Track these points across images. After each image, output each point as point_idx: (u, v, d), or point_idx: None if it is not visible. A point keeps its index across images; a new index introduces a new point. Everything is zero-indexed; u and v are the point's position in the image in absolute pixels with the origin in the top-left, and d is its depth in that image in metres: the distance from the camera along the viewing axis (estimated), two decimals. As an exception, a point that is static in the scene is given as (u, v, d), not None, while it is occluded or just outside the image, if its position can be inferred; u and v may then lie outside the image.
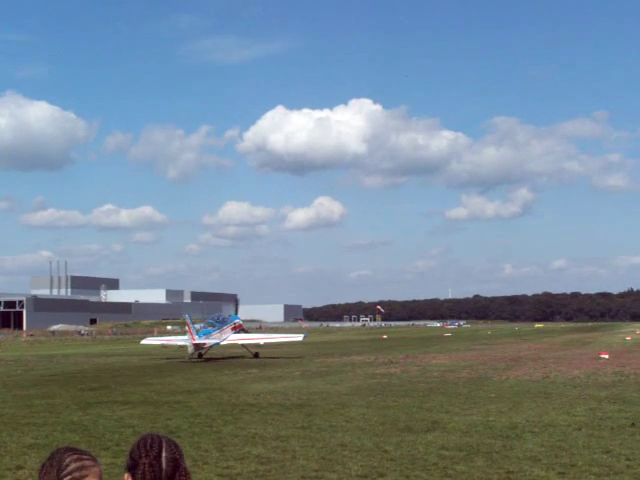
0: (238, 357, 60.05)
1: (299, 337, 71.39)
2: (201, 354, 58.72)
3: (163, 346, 71.12)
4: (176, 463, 4.23)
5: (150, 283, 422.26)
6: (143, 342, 72.94)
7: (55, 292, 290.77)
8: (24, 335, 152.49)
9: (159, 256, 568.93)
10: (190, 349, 57.27)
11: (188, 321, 59.79)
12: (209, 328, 62.92)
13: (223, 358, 59.42)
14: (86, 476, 4.21)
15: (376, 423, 22.14)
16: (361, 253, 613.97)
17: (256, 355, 60.21)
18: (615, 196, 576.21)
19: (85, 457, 4.27)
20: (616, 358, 51.61)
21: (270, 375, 40.76)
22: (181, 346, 62.66)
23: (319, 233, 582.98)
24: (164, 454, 4.22)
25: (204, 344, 58.97)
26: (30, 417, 24.44)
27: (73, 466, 4.20)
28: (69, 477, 4.18)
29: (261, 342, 66.87)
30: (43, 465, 4.28)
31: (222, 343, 62.10)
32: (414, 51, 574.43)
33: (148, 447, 4.25)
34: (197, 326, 61.74)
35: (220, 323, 64.88)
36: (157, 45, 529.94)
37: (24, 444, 19.22)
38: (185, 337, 62.17)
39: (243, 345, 63.52)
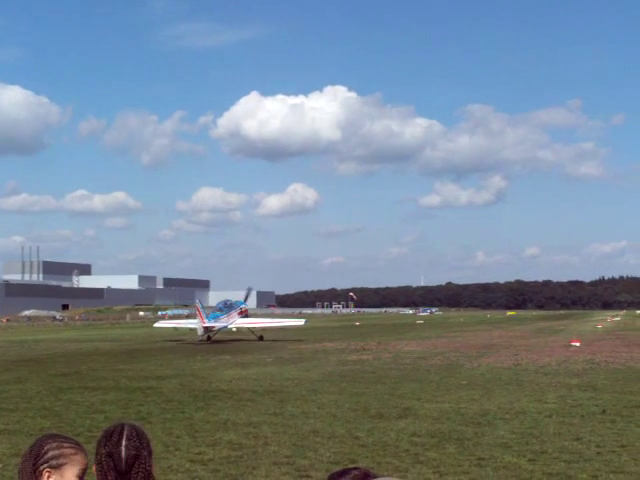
0: (245, 340, 64.00)
1: (301, 322, 78.73)
2: (209, 337, 63.52)
3: (175, 329, 75.64)
4: (137, 452, 4.17)
5: (123, 269, 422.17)
6: (156, 325, 79.64)
7: (27, 277, 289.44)
8: (4, 321, 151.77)
9: (132, 242, 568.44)
10: (200, 331, 61.95)
11: (198, 306, 64.58)
12: (217, 312, 68.30)
13: (231, 340, 63.73)
14: (64, 464, 4.17)
15: (348, 410, 22.17)
16: (334, 240, 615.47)
17: (261, 338, 64.40)
18: (588, 185, 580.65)
19: (66, 445, 4.23)
20: (587, 346, 51.84)
21: (242, 361, 40.74)
22: (192, 329, 66.72)
23: (293, 220, 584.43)
24: (124, 442, 4.16)
25: (213, 327, 64.33)
26: (1, 402, 24.35)
27: (51, 454, 4.17)
28: (45, 465, 4.15)
29: (256, 326, 70.24)
30: (25, 452, 4.26)
31: (229, 326, 67.70)
32: (389, 39, 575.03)
33: (108, 436, 4.21)
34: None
35: (228, 308, 69.52)
36: (132, 30, 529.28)
37: (-5, 429, 19.15)
38: (196, 320, 65.57)
39: (249, 329, 68.54)
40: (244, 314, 71.72)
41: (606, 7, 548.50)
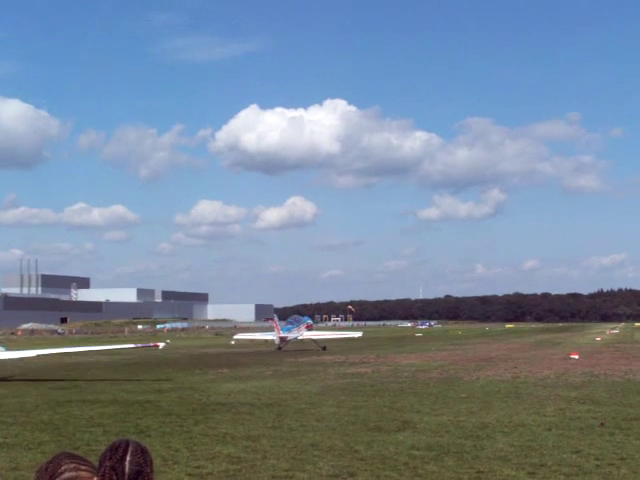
0: (309, 350, 69.40)
1: (359, 333, 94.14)
2: (280, 347, 72.04)
3: (251, 340, 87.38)
4: (140, 468, 4.18)
5: (121, 282, 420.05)
6: (235, 337, 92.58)
7: (25, 291, 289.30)
8: (20, 333, 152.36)
9: (131, 255, 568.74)
10: (277, 341, 73.07)
11: (276, 319, 79.42)
12: (289, 326, 77.91)
13: (297, 350, 68.65)
14: None
15: (347, 423, 22.15)
16: (333, 253, 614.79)
17: (324, 348, 71.55)
18: (586, 197, 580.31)
19: (83, 467, 4.22)
20: (586, 359, 51.85)
21: (241, 375, 40.71)
22: (266, 340, 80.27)
23: (291, 233, 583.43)
24: (128, 458, 4.17)
25: (286, 338, 74.01)
26: (-1, 416, 24.33)
27: (67, 475, 4.16)
28: None
29: (313, 337, 77.64)
30: (40, 467, 4.24)
31: (299, 338, 75.38)
32: (389, 52, 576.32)
33: (113, 450, 4.21)
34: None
35: (297, 322, 79.05)
36: (131, 43, 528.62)
37: (-7, 443, 19.12)
38: (272, 333, 78.17)
39: (313, 340, 76.05)
40: (310, 328, 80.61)
41: (604, 21, 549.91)
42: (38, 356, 46.66)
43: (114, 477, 4.14)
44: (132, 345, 57.17)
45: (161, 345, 47.45)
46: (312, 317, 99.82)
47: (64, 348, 60.84)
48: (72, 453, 4.39)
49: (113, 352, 62.64)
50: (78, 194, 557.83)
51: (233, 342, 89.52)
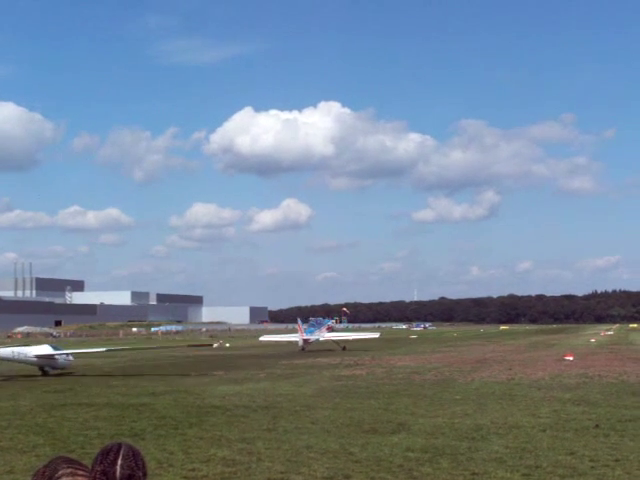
0: (331, 350, 73.75)
1: (376, 335, 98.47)
2: (303, 348, 75.52)
3: (276, 342, 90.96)
4: (132, 472, 4.15)
5: (115, 285, 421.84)
6: (261, 339, 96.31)
7: (20, 294, 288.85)
8: (19, 336, 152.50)
9: (125, 258, 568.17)
10: (300, 343, 77.20)
11: (300, 323, 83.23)
12: (311, 328, 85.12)
13: (320, 350, 73.10)
14: None
15: (342, 425, 22.16)
16: (327, 255, 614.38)
17: (344, 348, 76.42)
18: (580, 199, 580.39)
19: (80, 472, 4.21)
20: (581, 360, 51.90)
21: (235, 377, 40.68)
22: (290, 341, 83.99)
23: (286, 235, 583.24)
24: (120, 462, 4.15)
25: (309, 339, 78.87)
26: (-6, 419, 24.29)
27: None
28: None
29: (320, 338, 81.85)
30: (37, 471, 4.23)
31: (320, 339, 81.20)
32: (383, 54, 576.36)
33: (105, 454, 4.20)
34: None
35: (319, 325, 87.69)
36: (125, 46, 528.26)
37: (-13, 447, 19.09)
38: (296, 335, 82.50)
39: (334, 341, 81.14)
40: (330, 330, 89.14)
41: (598, 23, 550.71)
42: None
43: None
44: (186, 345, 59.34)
45: (215, 345, 50.01)
46: (307, 320, 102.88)
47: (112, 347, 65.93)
48: (69, 457, 4.38)
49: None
50: (72, 197, 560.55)
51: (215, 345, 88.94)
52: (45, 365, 45.45)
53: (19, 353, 45.73)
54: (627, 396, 29.32)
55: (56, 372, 45.06)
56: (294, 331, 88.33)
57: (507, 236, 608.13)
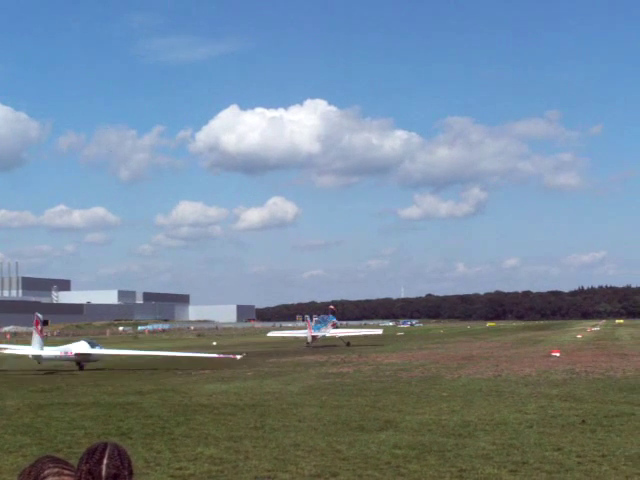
0: (335, 345, 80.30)
1: (379, 331, 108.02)
2: (309, 344, 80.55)
3: (283, 337, 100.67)
4: (117, 471, 4.14)
5: (102, 284, 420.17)
6: (269, 335, 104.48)
7: (6, 294, 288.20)
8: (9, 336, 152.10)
9: (111, 257, 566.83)
10: (309, 339, 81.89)
11: (309, 320, 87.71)
12: (318, 325, 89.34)
13: (325, 346, 79.24)
14: None
15: (329, 423, 22.16)
16: (314, 253, 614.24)
17: (348, 344, 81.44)
18: (566, 195, 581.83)
19: (66, 472, 4.19)
20: (567, 356, 52.04)
21: (223, 375, 40.65)
22: (296, 337, 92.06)
23: (272, 233, 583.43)
24: (105, 461, 4.13)
25: (316, 336, 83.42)
26: (-20, 420, 24.22)
27: (50, 479, 4.14)
28: None
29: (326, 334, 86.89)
30: (23, 471, 4.21)
31: (326, 335, 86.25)
32: (368, 52, 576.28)
33: (90, 454, 4.18)
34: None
35: (324, 322, 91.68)
36: (110, 45, 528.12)
37: (-26, 447, 19.03)
38: (304, 331, 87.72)
39: (339, 337, 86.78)
40: (335, 326, 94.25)
41: (584, 19, 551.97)
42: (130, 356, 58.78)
43: None
44: (215, 355, 58.26)
45: (238, 357, 50.86)
46: (294, 318, 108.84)
47: (140, 351, 64.47)
48: (55, 457, 4.37)
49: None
50: (58, 196, 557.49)
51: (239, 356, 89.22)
52: (82, 360, 50.44)
53: (63, 351, 51.05)
54: (613, 392, 29.39)
55: (91, 366, 50.20)
56: (283, 329, 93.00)
57: (493, 233, 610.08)
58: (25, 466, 4.27)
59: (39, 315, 52.06)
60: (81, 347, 51.18)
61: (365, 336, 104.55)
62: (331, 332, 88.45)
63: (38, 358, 49.58)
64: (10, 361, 54.48)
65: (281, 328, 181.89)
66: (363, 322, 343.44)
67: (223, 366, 47.70)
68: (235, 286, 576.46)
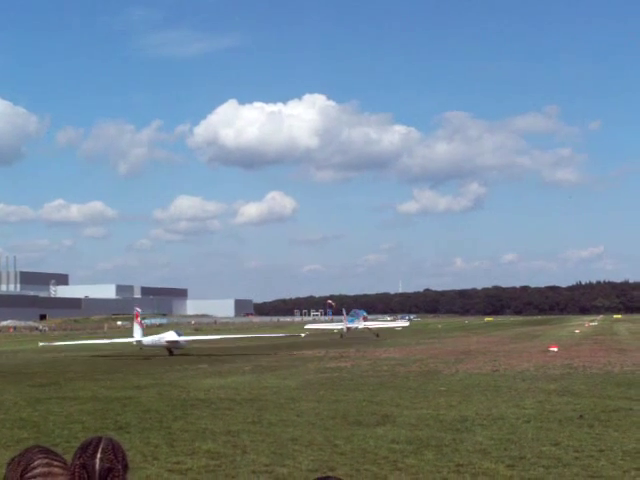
0: (365, 337, 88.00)
1: (406, 323, 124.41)
2: (342, 335, 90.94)
3: (321, 330, 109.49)
4: (111, 465, 4.11)
5: (100, 278, 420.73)
6: (306, 327, 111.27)
7: (4, 288, 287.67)
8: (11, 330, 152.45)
9: (109, 251, 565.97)
10: (344, 331, 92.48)
11: (345, 314, 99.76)
12: (352, 318, 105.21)
13: (357, 337, 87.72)
14: None
15: (326, 417, 22.17)
16: (312, 247, 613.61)
17: (377, 335, 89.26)
18: (564, 190, 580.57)
19: (55, 463, 4.16)
20: (565, 351, 52.06)
21: (220, 370, 40.66)
22: (331, 329, 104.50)
23: (271, 228, 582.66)
24: (99, 455, 4.10)
25: (350, 328, 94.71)
26: (-22, 414, 24.22)
27: (39, 470, 4.10)
28: None
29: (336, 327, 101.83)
30: (12, 460, 4.19)
31: (359, 327, 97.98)
32: (367, 47, 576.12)
33: (85, 448, 4.16)
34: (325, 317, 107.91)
35: (357, 315, 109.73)
36: (109, 39, 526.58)
37: (-29, 441, 19.04)
38: (340, 324, 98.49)
39: (369, 329, 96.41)
40: (365, 319, 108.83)
41: (583, 14, 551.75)
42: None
43: (84, 475, 4.08)
44: (282, 334, 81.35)
45: (302, 335, 66.46)
46: (292, 312, 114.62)
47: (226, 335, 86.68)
48: (44, 447, 4.34)
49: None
50: (56, 190, 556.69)
51: (303, 335, 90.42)
52: (172, 347, 58.02)
53: (158, 339, 59.58)
54: (611, 387, 29.41)
55: (179, 352, 57.41)
56: (283, 323, 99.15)
57: (491, 228, 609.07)
58: (14, 456, 4.24)
59: (138, 309, 63.65)
60: (171, 336, 59.89)
61: (392, 328, 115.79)
62: (363, 324, 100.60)
63: (140, 344, 59.22)
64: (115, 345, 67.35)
65: (316, 321, 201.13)
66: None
67: (220, 361, 47.65)
68: (233, 280, 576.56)
